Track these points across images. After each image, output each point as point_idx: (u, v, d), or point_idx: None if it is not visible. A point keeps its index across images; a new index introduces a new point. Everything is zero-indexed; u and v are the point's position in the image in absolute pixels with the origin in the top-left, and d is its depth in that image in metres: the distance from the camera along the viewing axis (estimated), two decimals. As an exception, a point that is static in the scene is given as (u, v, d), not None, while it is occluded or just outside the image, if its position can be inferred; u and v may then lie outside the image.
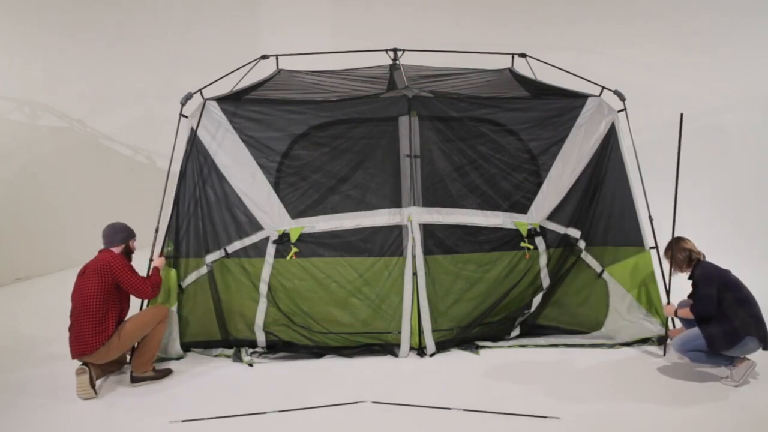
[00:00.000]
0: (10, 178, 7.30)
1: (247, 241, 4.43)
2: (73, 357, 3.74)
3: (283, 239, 4.40)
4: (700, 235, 6.10)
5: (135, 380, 3.90)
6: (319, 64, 5.65)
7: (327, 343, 4.42)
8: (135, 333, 3.86)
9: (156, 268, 4.11)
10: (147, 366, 3.93)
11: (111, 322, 3.74)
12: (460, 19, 8.40)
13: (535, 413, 3.40)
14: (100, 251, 3.94)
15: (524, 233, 4.52)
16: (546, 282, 4.56)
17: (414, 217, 4.45)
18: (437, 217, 4.49)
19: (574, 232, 4.56)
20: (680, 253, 4.01)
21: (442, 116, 4.56)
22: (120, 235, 3.97)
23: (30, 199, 7.54)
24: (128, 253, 4.04)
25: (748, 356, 3.80)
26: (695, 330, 3.83)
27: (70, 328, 3.77)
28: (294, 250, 4.39)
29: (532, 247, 4.53)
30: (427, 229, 4.50)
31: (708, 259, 4.05)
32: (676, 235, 4.14)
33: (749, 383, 3.77)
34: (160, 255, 4.28)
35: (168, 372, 4.05)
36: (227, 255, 4.42)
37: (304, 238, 4.44)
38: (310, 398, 3.66)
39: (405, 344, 4.38)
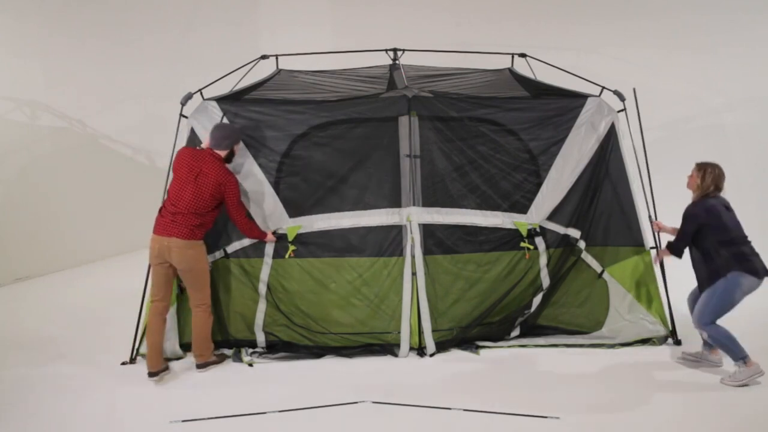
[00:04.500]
0: (10, 178, 7.30)
1: (246, 242, 4.43)
2: (156, 233, 3.96)
3: (280, 238, 4.41)
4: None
5: (151, 376, 3.97)
6: (319, 64, 5.65)
7: (327, 343, 4.42)
8: (207, 274, 4.13)
9: (265, 234, 4.32)
10: (159, 360, 4.03)
11: (204, 230, 4.05)
12: (460, 19, 8.40)
13: (535, 413, 3.40)
14: (212, 152, 4.05)
15: (524, 233, 4.51)
16: (546, 282, 4.56)
17: (413, 217, 4.46)
18: (437, 217, 4.49)
19: (574, 232, 4.56)
20: (708, 178, 3.96)
21: (441, 116, 4.56)
22: (227, 141, 4.09)
23: (30, 199, 7.54)
24: (231, 155, 4.17)
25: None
26: (703, 297, 3.91)
27: (164, 212, 3.99)
28: (291, 248, 4.39)
29: (532, 247, 4.53)
30: (427, 229, 4.50)
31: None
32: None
33: (748, 387, 3.76)
34: (275, 234, 4.41)
35: (166, 368, 4.11)
36: (226, 255, 4.42)
37: (301, 238, 4.43)
38: (310, 398, 3.66)
39: (405, 344, 4.38)
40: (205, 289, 4.11)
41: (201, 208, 3.95)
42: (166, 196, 4.12)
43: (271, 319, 4.44)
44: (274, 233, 4.39)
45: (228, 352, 4.40)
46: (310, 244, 4.44)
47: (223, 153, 4.09)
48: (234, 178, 4.08)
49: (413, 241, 4.43)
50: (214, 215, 4.09)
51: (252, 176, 4.42)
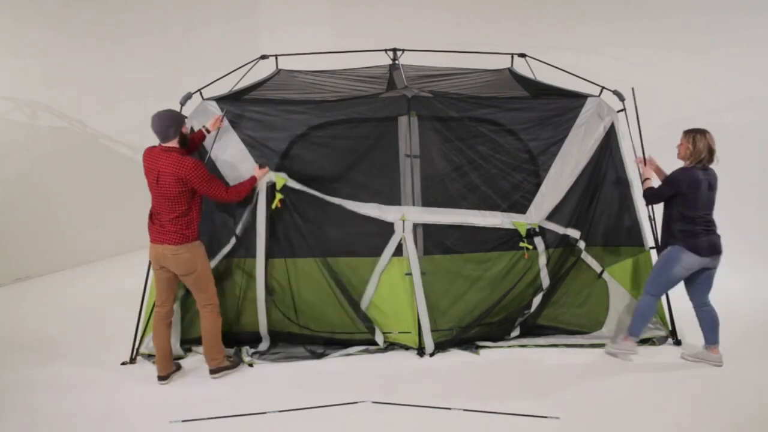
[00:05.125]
0: (9, 178, 7.30)
1: (244, 216, 4.38)
2: (151, 241, 3.87)
3: (269, 186, 4.35)
4: (700, 235, 6.06)
5: (161, 380, 3.99)
6: (319, 64, 5.65)
7: (327, 343, 4.44)
8: (209, 274, 4.00)
9: (253, 178, 4.13)
10: (167, 364, 4.02)
11: (195, 225, 3.88)
12: (460, 19, 8.39)
13: (535, 413, 3.40)
14: (162, 148, 3.79)
15: (523, 233, 4.50)
16: (546, 282, 4.55)
17: (409, 216, 4.44)
18: (435, 217, 4.47)
19: (574, 233, 4.55)
20: (700, 143, 3.99)
21: (441, 116, 4.55)
22: (171, 129, 3.76)
23: (30, 199, 7.54)
24: (184, 139, 3.90)
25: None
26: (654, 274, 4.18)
27: (153, 218, 3.88)
28: (279, 197, 4.31)
29: (531, 247, 4.52)
30: (427, 229, 4.50)
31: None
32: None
33: (745, 387, 3.75)
34: (262, 167, 4.23)
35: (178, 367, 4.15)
36: (238, 239, 4.37)
37: (294, 233, 4.41)
38: (310, 398, 3.66)
39: (378, 337, 4.41)
40: (209, 288, 3.99)
41: (179, 207, 3.77)
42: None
43: (271, 318, 4.44)
44: (261, 167, 4.24)
45: (229, 351, 4.40)
46: (304, 241, 4.43)
47: (174, 143, 3.80)
48: (191, 162, 3.73)
49: (404, 239, 4.40)
50: (198, 205, 3.89)
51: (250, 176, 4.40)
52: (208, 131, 4.20)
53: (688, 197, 3.95)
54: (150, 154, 3.84)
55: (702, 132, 4.02)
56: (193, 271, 3.88)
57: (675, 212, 4.04)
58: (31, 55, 7.74)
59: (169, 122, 3.76)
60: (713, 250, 3.97)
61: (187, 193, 3.79)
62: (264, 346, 4.44)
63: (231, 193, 3.97)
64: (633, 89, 4.61)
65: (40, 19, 7.82)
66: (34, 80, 7.79)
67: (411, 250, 4.42)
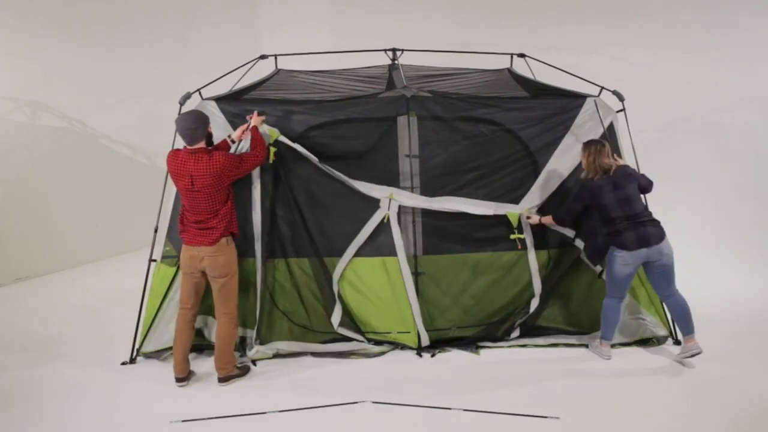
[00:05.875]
0: (9, 178, 7.30)
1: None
2: (186, 243, 3.86)
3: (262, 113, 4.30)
4: (699, 235, 6.10)
5: (179, 381, 3.96)
6: (318, 64, 5.65)
7: (326, 341, 4.43)
8: (237, 282, 3.99)
9: (254, 128, 4.11)
10: (185, 366, 3.98)
11: (227, 218, 3.85)
12: (460, 19, 8.40)
13: (535, 413, 3.40)
14: (188, 150, 3.75)
15: (515, 224, 4.48)
16: (545, 282, 4.55)
17: (396, 196, 4.41)
18: (425, 203, 4.41)
19: (570, 232, 4.55)
20: (590, 157, 4.16)
21: (440, 116, 4.55)
22: (199, 130, 3.74)
23: (30, 199, 7.54)
24: (210, 138, 3.88)
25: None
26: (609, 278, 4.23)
27: (186, 222, 3.86)
28: (273, 150, 4.29)
29: (523, 236, 4.50)
30: (426, 229, 4.50)
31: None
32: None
33: (747, 387, 3.75)
34: (258, 114, 4.20)
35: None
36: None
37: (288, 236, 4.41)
38: (310, 398, 3.66)
39: (336, 317, 4.40)
40: (233, 297, 3.95)
41: (218, 203, 3.78)
42: (180, 207, 3.96)
43: (272, 318, 4.44)
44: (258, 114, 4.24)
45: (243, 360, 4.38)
46: (304, 240, 4.44)
47: (202, 144, 3.77)
48: (221, 156, 3.73)
49: (388, 217, 4.37)
50: (231, 198, 3.91)
51: (248, 177, 4.39)
52: (233, 141, 4.17)
53: (596, 205, 4.11)
54: (175, 158, 3.79)
55: (594, 143, 4.20)
56: (226, 275, 3.87)
57: (597, 221, 4.20)
58: (31, 55, 7.75)
59: (195, 124, 3.73)
60: (642, 242, 3.99)
61: (224, 190, 3.82)
62: (261, 342, 4.43)
63: (258, 152, 4.02)
64: (599, 94, 4.61)
65: (40, 19, 7.82)
66: (34, 80, 7.79)
67: (395, 230, 4.40)
